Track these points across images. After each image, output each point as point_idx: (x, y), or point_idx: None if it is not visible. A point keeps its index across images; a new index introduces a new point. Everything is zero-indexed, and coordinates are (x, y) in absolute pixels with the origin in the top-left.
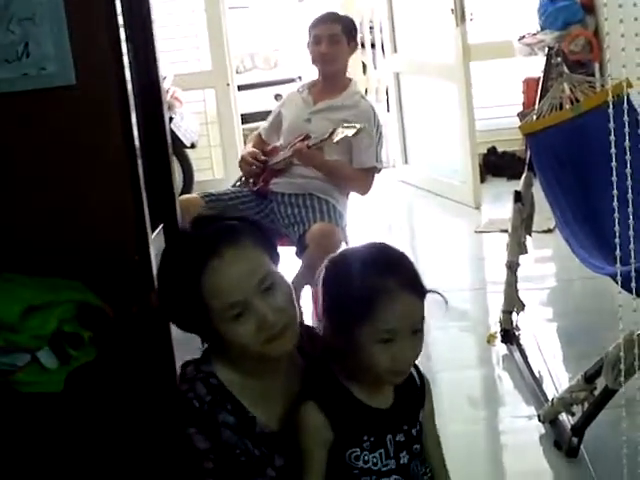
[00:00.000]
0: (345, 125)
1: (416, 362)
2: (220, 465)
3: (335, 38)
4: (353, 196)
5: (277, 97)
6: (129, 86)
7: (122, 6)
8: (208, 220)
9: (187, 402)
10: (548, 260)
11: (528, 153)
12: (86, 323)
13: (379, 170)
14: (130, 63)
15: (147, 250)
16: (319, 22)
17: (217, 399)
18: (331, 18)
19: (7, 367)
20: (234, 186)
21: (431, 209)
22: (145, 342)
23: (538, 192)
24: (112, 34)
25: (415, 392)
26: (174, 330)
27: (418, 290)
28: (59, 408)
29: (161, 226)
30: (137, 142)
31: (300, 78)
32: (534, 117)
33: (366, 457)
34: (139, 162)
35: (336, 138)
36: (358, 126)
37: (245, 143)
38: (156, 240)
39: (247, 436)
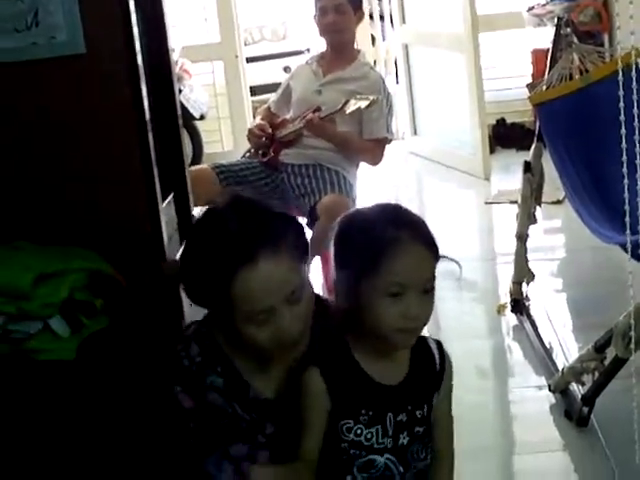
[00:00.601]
0: (358, 97)
1: (435, 338)
2: (201, 426)
3: (341, 8)
4: (362, 168)
5: (286, 69)
6: (139, 56)
7: None
8: (247, 205)
9: (178, 360)
10: (558, 231)
11: (537, 124)
12: (98, 291)
13: (390, 141)
14: (140, 34)
15: (158, 220)
16: None
17: (207, 361)
18: None
19: (20, 335)
20: (243, 157)
21: (440, 180)
22: (156, 310)
23: (548, 163)
24: (122, 4)
25: (432, 374)
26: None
27: (431, 246)
28: (72, 375)
29: (171, 195)
30: (147, 112)
31: (308, 50)
32: (543, 87)
33: (359, 431)
34: (149, 132)
35: (349, 110)
36: (371, 98)
37: (254, 115)
38: (166, 209)
39: (236, 400)
